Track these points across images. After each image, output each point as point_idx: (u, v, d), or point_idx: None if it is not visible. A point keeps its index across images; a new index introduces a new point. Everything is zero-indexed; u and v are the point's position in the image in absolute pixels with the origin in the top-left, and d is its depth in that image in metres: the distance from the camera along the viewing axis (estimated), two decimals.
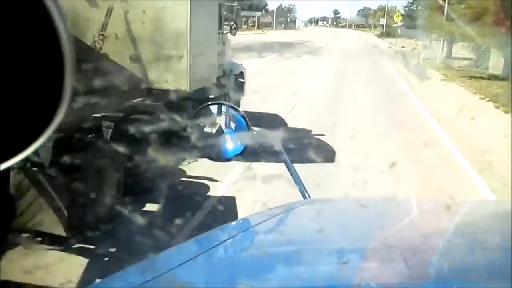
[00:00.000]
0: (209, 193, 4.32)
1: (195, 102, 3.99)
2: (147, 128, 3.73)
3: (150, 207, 3.87)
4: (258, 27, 59.33)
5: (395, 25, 52.93)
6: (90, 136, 3.48)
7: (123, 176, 3.73)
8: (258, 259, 1.00)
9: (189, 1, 4.17)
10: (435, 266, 0.90)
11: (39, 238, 2.90)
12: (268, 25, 64.21)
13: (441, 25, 18.65)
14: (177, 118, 3.41)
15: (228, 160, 1.54)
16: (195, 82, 4.33)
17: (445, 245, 1.00)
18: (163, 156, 3.82)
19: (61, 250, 3.04)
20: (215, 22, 5.31)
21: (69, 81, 0.40)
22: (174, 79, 4.17)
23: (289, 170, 1.45)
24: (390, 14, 62.09)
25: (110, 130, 3.95)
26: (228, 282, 0.89)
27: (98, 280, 0.90)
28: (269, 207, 1.38)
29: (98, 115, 3.67)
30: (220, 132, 1.47)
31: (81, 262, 3.00)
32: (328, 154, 5.64)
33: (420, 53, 22.73)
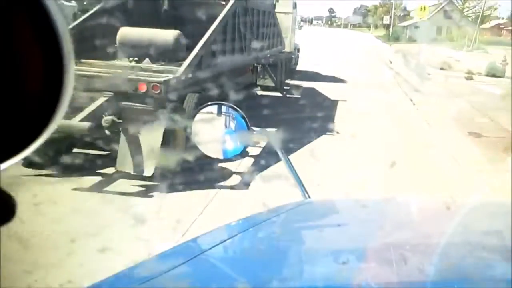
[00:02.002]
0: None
1: (291, 55, 11.02)
2: (263, 64, 8.85)
3: None
4: None
5: (408, 23, 41.21)
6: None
7: None
8: (258, 259, 1.00)
9: (291, 15, 10.36)
10: (435, 266, 0.90)
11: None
12: None
13: None
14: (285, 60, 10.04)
15: (228, 160, 1.54)
16: (290, 47, 10.51)
17: (445, 245, 1.00)
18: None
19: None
20: (294, 22, 11.39)
21: (69, 81, 0.40)
22: (286, 46, 10.02)
23: (289, 170, 1.45)
24: (398, 11, 49.39)
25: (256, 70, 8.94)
26: (228, 282, 0.89)
27: (98, 280, 0.90)
28: (269, 207, 1.38)
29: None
30: (220, 131, 1.47)
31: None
32: None
33: None
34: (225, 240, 1.10)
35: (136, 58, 5.50)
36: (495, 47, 23.12)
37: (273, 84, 9.39)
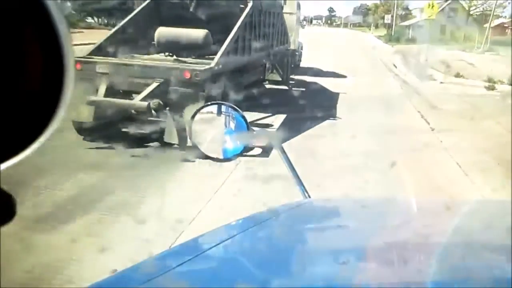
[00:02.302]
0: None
1: (295, 52, 12.17)
2: (272, 60, 9.61)
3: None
4: None
5: (410, 22, 38.35)
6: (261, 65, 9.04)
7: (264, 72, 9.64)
8: (258, 259, 1.00)
9: (295, 15, 11.22)
10: (435, 266, 0.89)
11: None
12: None
13: None
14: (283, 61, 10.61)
15: (228, 160, 1.54)
16: (294, 45, 11.48)
17: (445, 245, 1.00)
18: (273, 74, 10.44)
19: None
20: (298, 22, 12.39)
21: (69, 81, 0.40)
22: (291, 44, 10.97)
23: (289, 170, 1.45)
24: (399, 9, 45.87)
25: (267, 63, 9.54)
26: (228, 282, 0.89)
27: (98, 280, 0.90)
28: (269, 207, 1.38)
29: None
30: (220, 131, 1.47)
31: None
32: None
33: None
34: (225, 240, 1.10)
35: (170, 54, 6.66)
36: (506, 49, 20.80)
37: (280, 78, 10.57)
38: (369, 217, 1.27)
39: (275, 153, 3.36)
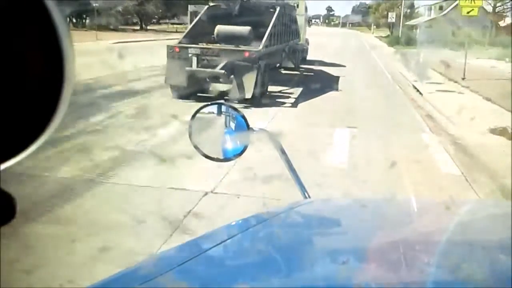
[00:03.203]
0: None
1: (303, 46, 16.22)
2: (288, 51, 12.77)
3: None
4: None
5: (417, 22, 31.30)
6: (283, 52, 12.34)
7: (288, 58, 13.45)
8: (258, 259, 1.00)
9: (303, 16, 15.26)
10: (435, 266, 0.90)
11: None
12: None
13: None
14: (292, 51, 13.54)
15: (228, 160, 1.54)
16: (303, 40, 15.64)
17: (445, 245, 1.00)
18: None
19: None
20: (306, 21, 16.35)
21: (69, 81, 0.40)
22: (300, 39, 14.77)
23: (289, 170, 1.45)
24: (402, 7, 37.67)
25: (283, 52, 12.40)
26: (228, 282, 0.89)
27: (98, 280, 0.90)
28: (269, 207, 1.38)
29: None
30: (219, 132, 1.47)
31: None
32: None
33: None
34: (225, 240, 1.10)
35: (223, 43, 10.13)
36: None
37: (292, 65, 14.15)
38: (369, 217, 1.27)
39: (300, 106, 9.24)
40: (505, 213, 1.25)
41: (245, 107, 7.97)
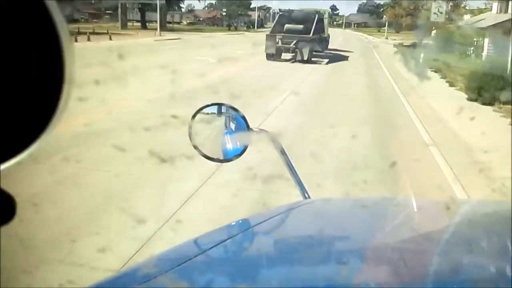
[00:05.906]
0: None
1: (327, 38, 26.55)
2: (319, 39, 22.78)
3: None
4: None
5: (474, 21, 17.98)
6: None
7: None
8: (258, 259, 1.00)
9: (327, 19, 26.76)
10: (435, 266, 0.90)
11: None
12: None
13: None
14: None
15: (228, 161, 1.54)
16: (327, 34, 25.94)
17: (445, 245, 1.00)
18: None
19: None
20: (328, 21, 27.81)
21: (69, 81, 0.40)
22: (325, 33, 26.04)
23: (289, 170, 1.45)
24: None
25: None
26: (228, 282, 0.89)
27: (98, 280, 0.90)
28: (269, 207, 1.38)
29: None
30: (219, 132, 1.47)
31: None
32: None
33: None
34: (225, 240, 1.10)
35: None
36: None
37: (320, 49, 21.95)
38: (369, 217, 1.27)
39: (330, 64, 21.35)
40: (505, 213, 1.25)
41: (304, 63, 18.72)
